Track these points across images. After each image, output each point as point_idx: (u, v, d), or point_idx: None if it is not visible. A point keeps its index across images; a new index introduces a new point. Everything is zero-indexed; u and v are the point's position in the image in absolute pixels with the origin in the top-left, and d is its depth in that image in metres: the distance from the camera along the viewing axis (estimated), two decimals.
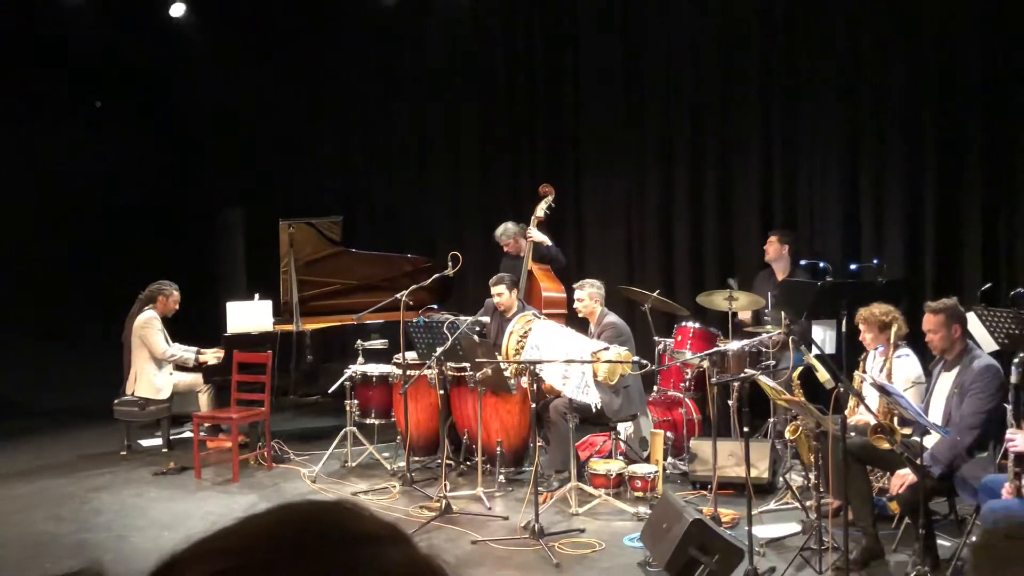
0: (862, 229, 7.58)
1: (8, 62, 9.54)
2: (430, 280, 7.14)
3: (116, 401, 7.48)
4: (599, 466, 6.21)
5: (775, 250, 7.33)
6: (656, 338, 7.11)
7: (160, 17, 9.86)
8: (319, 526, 0.72)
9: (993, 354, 4.93)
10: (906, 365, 5.34)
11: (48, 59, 9.93)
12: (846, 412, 4.94)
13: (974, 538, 4.54)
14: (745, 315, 7.20)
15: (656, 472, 6.14)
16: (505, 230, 7.86)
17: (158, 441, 7.73)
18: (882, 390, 4.58)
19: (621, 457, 6.48)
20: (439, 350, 6.17)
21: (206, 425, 7.43)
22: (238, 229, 10.72)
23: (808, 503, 5.36)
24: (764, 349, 6.60)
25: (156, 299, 7.58)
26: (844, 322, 5.80)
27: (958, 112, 7.16)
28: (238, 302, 7.94)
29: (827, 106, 7.75)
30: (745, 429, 4.98)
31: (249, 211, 10.57)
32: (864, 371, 5.38)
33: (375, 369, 7.28)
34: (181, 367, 7.59)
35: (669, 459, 6.62)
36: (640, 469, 6.16)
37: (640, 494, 6.02)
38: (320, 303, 8.38)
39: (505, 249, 7.92)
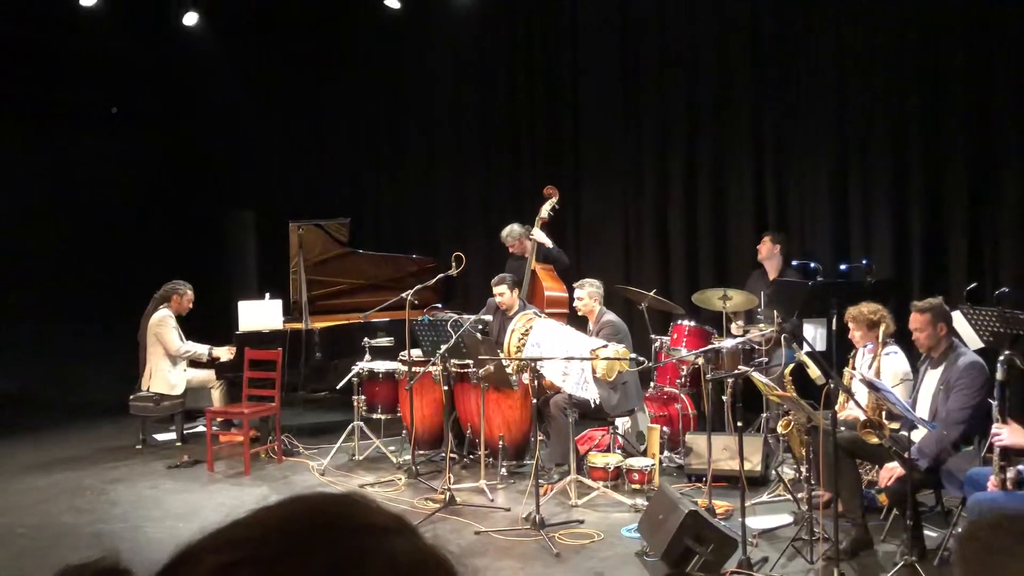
0: (851, 231, 7.58)
1: (26, 69, 9.56)
2: (434, 280, 7.15)
3: (132, 397, 7.49)
4: (598, 459, 6.21)
5: (767, 249, 7.34)
6: (653, 336, 7.10)
7: (174, 25, 9.86)
8: (329, 517, 0.72)
9: (978, 351, 4.92)
10: (894, 362, 5.34)
11: (66, 66, 9.94)
12: (836, 407, 4.93)
13: (960, 529, 4.54)
14: (737, 328, 7.04)
15: (653, 465, 6.14)
16: (511, 231, 7.86)
17: (172, 435, 7.73)
18: (871, 386, 4.58)
19: (619, 451, 6.48)
20: (443, 347, 6.16)
21: (219, 420, 7.45)
22: (249, 231, 10.74)
23: (800, 495, 5.36)
24: (756, 347, 6.59)
25: (171, 298, 7.59)
26: (834, 320, 5.78)
27: (943, 116, 7.14)
28: (249, 301, 7.95)
29: (817, 113, 7.74)
30: (739, 424, 4.98)
31: (260, 214, 10.59)
32: (854, 368, 5.37)
33: (381, 366, 7.28)
34: (195, 364, 7.59)
35: (665, 452, 6.61)
36: (637, 462, 6.16)
37: (637, 486, 6.02)
38: (328, 302, 8.38)
39: (511, 250, 7.92)
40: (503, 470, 6.44)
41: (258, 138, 10.86)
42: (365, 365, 7.23)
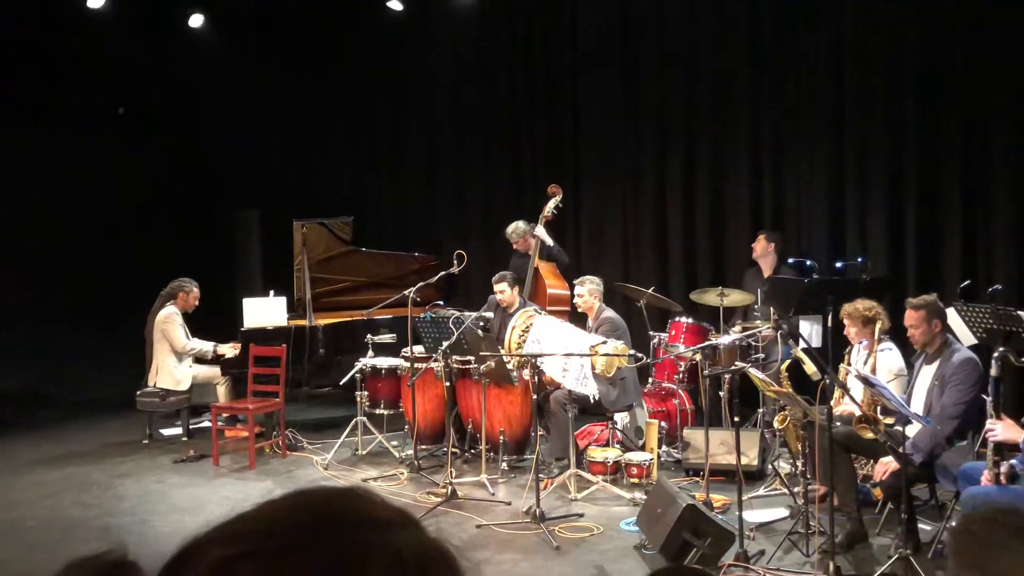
0: (848, 229, 7.57)
1: (33, 70, 9.54)
2: (436, 277, 7.15)
3: (138, 392, 7.49)
4: (597, 454, 6.21)
5: (761, 248, 7.35)
6: (651, 332, 7.10)
7: (179, 27, 9.86)
8: (333, 511, 0.72)
9: (972, 348, 4.92)
10: (889, 358, 5.34)
11: (73, 67, 9.92)
12: (832, 403, 4.93)
13: (954, 522, 4.53)
14: (735, 329, 7.05)
15: (651, 460, 6.14)
16: (516, 228, 7.85)
17: (178, 430, 7.73)
18: (866, 382, 4.58)
19: (618, 445, 6.48)
20: (445, 344, 6.16)
21: (224, 415, 7.45)
22: (254, 230, 10.74)
23: (796, 489, 5.36)
24: (753, 343, 6.59)
25: (177, 295, 7.59)
26: (830, 317, 5.78)
27: (941, 117, 7.14)
28: (254, 298, 7.95)
29: (813, 114, 7.73)
30: (736, 419, 4.98)
31: (264, 212, 10.59)
32: (849, 364, 5.37)
33: (384, 362, 7.28)
34: (200, 360, 7.60)
35: (663, 447, 6.61)
36: (636, 457, 6.16)
37: (636, 480, 6.02)
38: (332, 299, 8.38)
39: (515, 247, 7.92)
40: (504, 465, 6.45)
41: (261, 138, 10.84)
42: (368, 361, 7.23)
